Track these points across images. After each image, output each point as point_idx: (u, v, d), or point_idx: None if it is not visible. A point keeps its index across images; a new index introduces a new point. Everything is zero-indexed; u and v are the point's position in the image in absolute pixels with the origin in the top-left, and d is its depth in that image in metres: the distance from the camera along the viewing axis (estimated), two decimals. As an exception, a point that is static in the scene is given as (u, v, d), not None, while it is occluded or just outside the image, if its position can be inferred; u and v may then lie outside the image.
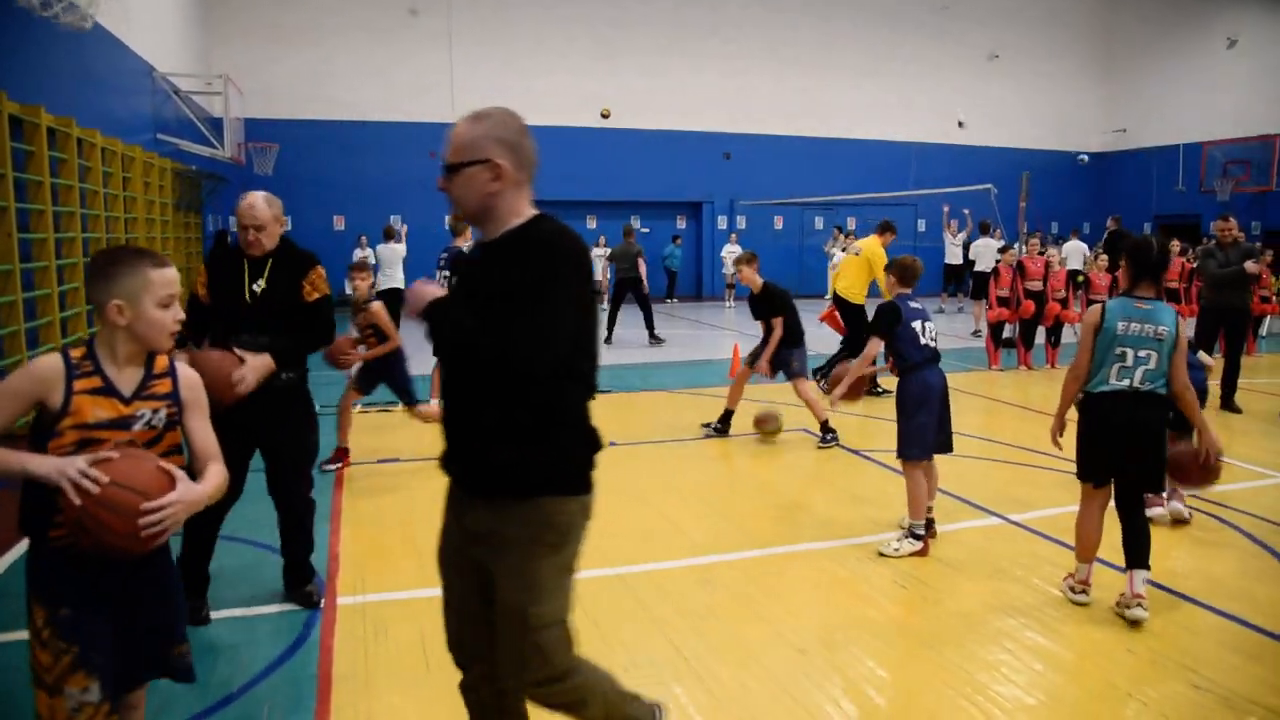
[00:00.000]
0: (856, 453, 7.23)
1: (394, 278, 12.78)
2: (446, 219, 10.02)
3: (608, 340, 13.51)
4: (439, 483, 2.48)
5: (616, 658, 3.62)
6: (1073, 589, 4.35)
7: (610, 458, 2.64)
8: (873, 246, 9.54)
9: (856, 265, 9.57)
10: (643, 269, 14.17)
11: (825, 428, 7.38)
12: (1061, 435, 4.41)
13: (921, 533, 4.93)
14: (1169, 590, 4.45)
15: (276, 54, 19.12)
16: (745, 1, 22.13)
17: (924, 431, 4.89)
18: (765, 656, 3.78)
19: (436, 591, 2.58)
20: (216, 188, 17.21)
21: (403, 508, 5.72)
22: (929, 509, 5.03)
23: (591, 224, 21.37)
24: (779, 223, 22.58)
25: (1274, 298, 13.41)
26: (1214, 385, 9.07)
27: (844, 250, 9.07)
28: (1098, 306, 4.27)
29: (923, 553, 4.88)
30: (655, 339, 13.82)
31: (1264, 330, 13.86)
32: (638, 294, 14.09)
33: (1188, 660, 3.77)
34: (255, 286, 3.88)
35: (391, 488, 6.23)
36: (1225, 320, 9.03)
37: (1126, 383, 4.07)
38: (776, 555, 4.99)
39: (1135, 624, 4.01)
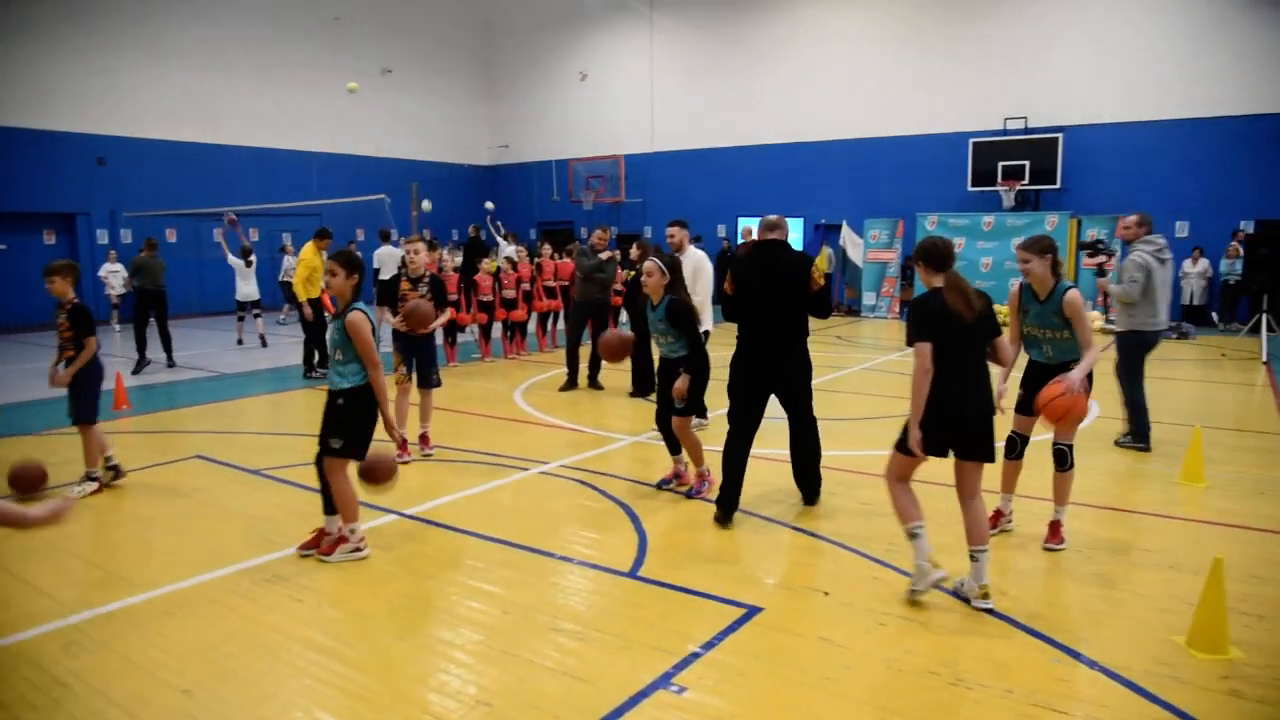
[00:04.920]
0: (256, 472, 7.02)
1: None
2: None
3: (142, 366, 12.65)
4: None
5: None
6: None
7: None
8: (306, 252, 11.43)
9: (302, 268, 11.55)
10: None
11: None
12: None
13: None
14: (540, 551, 5.15)
15: None
16: (111, -11, 19.73)
17: None
18: (144, 711, 3.50)
19: None
20: None
21: None
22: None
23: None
24: (172, 235, 20.66)
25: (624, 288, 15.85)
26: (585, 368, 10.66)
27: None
28: None
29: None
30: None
31: (623, 319, 16.49)
32: (161, 311, 13.18)
33: (548, 611, 4.43)
34: None
35: None
36: (592, 312, 10.64)
37: None
38: (162, 596, 4.63)
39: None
